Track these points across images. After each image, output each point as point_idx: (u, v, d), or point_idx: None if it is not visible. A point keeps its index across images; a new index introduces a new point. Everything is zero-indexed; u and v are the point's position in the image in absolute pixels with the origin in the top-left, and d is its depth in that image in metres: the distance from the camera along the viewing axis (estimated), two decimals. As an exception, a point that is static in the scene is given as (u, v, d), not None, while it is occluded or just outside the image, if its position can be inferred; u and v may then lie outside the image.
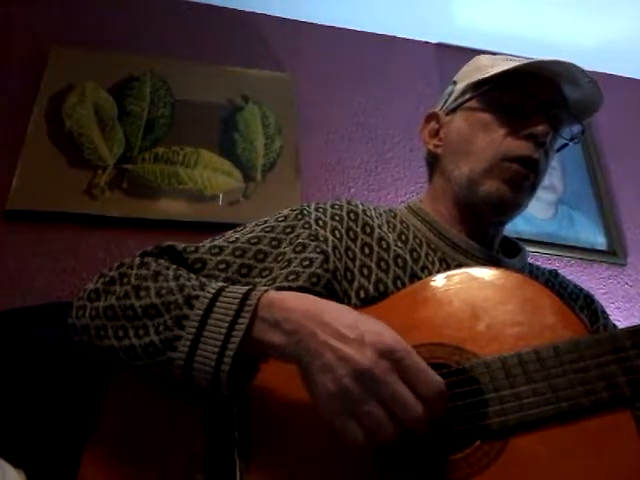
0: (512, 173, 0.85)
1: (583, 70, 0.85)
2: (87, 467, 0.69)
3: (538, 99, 0.87)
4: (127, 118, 1.74)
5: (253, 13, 2.06)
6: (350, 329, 0.59)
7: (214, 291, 0.68)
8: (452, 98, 0.95)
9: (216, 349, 0.63)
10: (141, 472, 0.68)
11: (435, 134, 0.97)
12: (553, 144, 0.91)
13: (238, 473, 0.64)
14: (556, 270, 1.00)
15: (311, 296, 0.66)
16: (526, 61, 0.86)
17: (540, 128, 0.84)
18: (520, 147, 0.85)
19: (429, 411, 0.58)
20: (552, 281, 0.96)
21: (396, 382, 0.57)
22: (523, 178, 0.85)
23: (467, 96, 0.92)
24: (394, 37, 2.19)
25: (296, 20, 2.10)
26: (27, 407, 0.88)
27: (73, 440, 0.74)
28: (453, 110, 0.94)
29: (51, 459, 0.82)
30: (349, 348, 0.58)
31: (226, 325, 0.64)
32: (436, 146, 0.96)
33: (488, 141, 0.87)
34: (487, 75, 0.88)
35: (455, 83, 0.97)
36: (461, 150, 0.90)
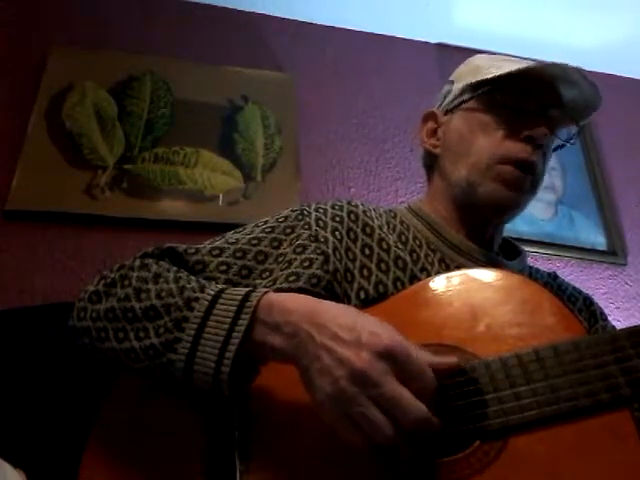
0: (509, 175, 0.85)
1: (582, 71, 0.85)
2: (87, 467, 0.69)
3: (537, 100, 0.87)
4: (127, 118, 1.74)
5: (253, 13, 2.06)
6: (347, 330, 0.59)
7: (214, 293, 0.68)
8: (450, 98, 0.95)
9: (215, 351, 0.63)
10: (142, 473, 0.68)
11: (433, 133, 0.97)
12: (550, 145, 0.91)
13: (238, 474, 0.64)
14: (555, 272, 1.00)
15: (310, 297, 0.66)
16: (526, 64, 0.86)
17: (538, 131, 0.85)
18: (518, 150, 0.85)
19: (429, 411, 0.58)
20: (551, 283, 0.96)
21: (392, 383, 0.57)
22: (521, 180, 0.86)
23: (465, 96, 0.92)
24: (394, 37, 2.19)
25: (296, 20, 2.10)
26: (27, 407, 0.88)
27: (73, 440, 0.74)
28: (451, 110, 0.94)
29: (51, 459, 0.82)
30: (345, 350, 0.58)
31: (226, 327, 0.64)
32: (434, 146, 0.95)
33: (486, 142, 0.87)
34: (488, 77, 0.88)
35: (452, 83, 0.97)
36: (460, 151, 0.90)
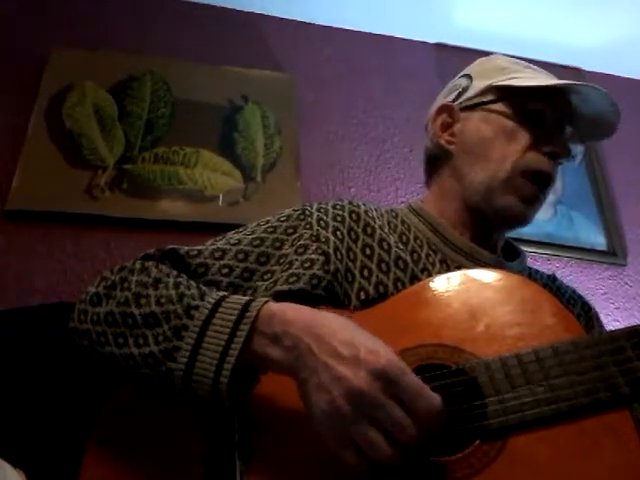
0: (529, 191, 0.86)
1: (608, 96, 0.88)
2: (88, 469, 0.69)
3: (558, 113, 0.88)
4: (127, 118, 1.74)
5: (253, 13, 2.06)
6: (346, 346, 0.59)
7: (214, 301, 0.67)
8: (469, 95, 0.92)
9: (215, 361, 0.63)
10: (142, 474, 0.68)
11: (447, 128, 0.93)
12: None
13: (238, 474, 0.64)
14: (554, 274, 0.99)
15: (310, 308, 0.66)
16: (562, 81, 0.87)
17: (562, 148, 0.86)
18: (541, 163, 0.86)
19: (424, 431, 0.57)
20: (550, 285, 0.96)
21: (389, 403, 0.56)
22: (537, 196, 0.88)
23: (490, 97, 0.90)
24: (393, 37, 2.19)
25: (296, 20, 2.10)
26: (27, 407, 0.88)
27: (73, 440, 0.74)
28: (470, 107, 0.92)
29: (51, 459, 0.82)
30: (344, 368, 0.57)
31: (225, 337, 0.63)
32: (449, 142, 0.92)
33: (510, 151, 0.86)
34: (520, 84, 0.87)
35: (470, 78, 0.94)
36: (480, 153, 0.89)
